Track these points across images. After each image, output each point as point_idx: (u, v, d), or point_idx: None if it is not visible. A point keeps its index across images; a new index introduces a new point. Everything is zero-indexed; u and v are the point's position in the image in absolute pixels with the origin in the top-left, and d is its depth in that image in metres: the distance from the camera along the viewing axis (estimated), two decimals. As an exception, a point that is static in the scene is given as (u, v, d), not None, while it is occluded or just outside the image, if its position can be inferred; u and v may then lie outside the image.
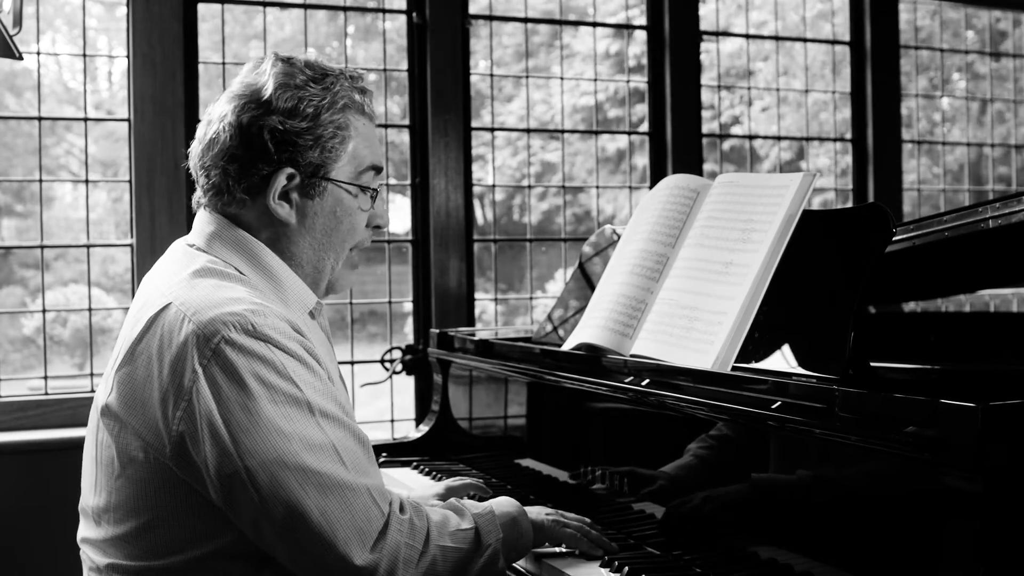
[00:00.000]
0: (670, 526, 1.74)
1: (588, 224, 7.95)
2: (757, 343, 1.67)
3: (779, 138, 4.88)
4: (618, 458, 1.92)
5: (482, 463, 2.40)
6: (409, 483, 2.27)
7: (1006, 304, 2.91)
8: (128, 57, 3.46)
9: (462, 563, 1.54)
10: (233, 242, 1.63)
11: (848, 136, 4.76)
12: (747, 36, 4.73)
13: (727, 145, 6.45)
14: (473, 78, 4.03)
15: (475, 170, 4.13)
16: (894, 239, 1.77)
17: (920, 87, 5.39)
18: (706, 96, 4.42)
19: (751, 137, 4.99)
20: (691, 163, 4.26)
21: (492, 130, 4.33)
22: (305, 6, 3.86)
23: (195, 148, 1.66)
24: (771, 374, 1.59)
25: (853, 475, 1.40)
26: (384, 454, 2.49)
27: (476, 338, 2.50)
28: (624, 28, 4.67)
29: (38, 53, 3.57)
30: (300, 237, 1.64)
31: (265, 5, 3.79)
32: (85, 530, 1.62)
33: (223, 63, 3.73)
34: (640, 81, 4.44)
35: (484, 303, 4.58)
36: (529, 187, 4.43)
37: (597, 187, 4.48)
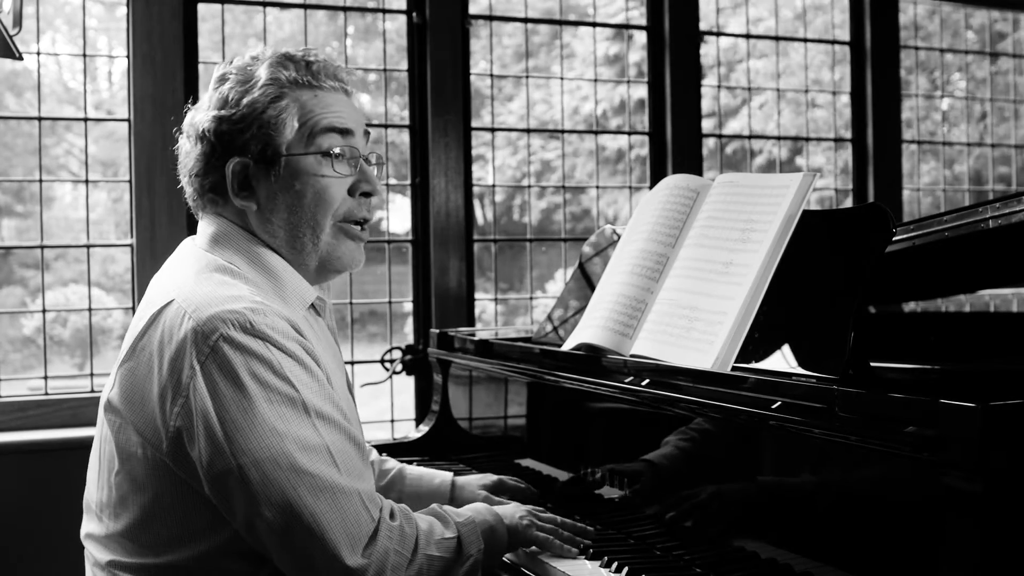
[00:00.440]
0: (670, 526, 1.74)
1: (588, 224, 7.95)
2: (757, 343, 1.67)
3: (779, 138, 4.88)
4: (618, 458, 1.92)
5: (482, 463, 2.40)
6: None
7: (1006, 304, 2.91)
8: (128, 57, 3.46)
9: (445, 572, 1.54)
10: (230, 241, 1.64)
11: (847, 136, 4.76)
12: (747, 36, 4.73)
13: (726, 145, 6.45)
14: (473, 78, 4.04)
15: (475, 170, 4.13)
16: (894, 239, 1.77)
17: (920, 87, 5.39)
18: (706, 96, 4.41)
19: (750, 137, 4.99)
20: (691, 163, 4.26)
21: (492, 130, 4.33)
22: (305, 6, 3.86)
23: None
24: (771, 374, 1.58)
25: (853, 475, 1.40)
26: (384, 454, 2.49)
27: (476, 338, 2.50)
28: (624, 28, 4.67)
29: (38, 53, 3.57)
30: (272, 218, 1.64)
31: (265, 5, 3.79)
32: (88, 525, 1.63)
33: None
34: (640, 81, 4.44)
35: (484, 303, 4.57)
36: (529, 187, 4.43)
37: (597, 187, 4.48)
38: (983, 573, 1.19)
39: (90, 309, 3.65)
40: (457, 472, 2.14)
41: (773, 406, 1.48)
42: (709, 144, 4.66)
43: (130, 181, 3.47)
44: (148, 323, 1.53)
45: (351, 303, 3.93)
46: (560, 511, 1.93)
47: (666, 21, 4.26)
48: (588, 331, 2.00)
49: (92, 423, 3.34)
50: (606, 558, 1.69)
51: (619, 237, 2.19)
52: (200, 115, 1.67)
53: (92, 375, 3.47)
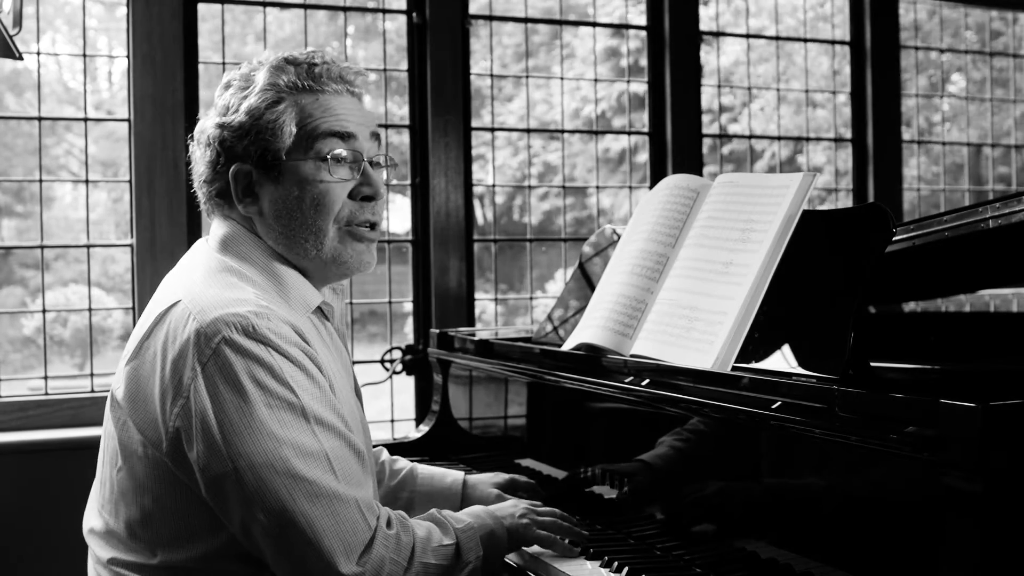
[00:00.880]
0: (670, 526, 1.74)
1: (588, 224, 7.95)
2: (757, 343, 1.67)
3: (779, 138, 4.88)
4: (618, 458, 1.92)
5: (482, 463, 2.40)
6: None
7: (1006, 304, 2.91)
8: (128, 57, 3.46)
9: None
10: (238, 244, 1.64)
11: (847, 136, 4.76)
12: (747, 36, 4.73)
13: (727, 148, 6.45)
14: (473, 78, 4.03)
15: (475, 170, 4.12)
16: (894, 239, 1.77)
17: (920, 86, 5.39)
18: (706, 96, 4.41)
19: (750, 137, 4.99)
20: (691, 163, 4.26)
21: (492, 130, 4.33)
22: (305, 6, 3.86)
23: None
24: (771, 374, 1.58)
25: (853, 475, 1.40)
26: (386, 451, 2.49)
27: (476, 338, 2.50)
28: (624, 28, 4.67)
29: (38, 53, 3.57)
30: (274, 224, 1.64)
31: (265, 5, 3.79)
32: (89, 520, 1.63)
33: (223, 63, 3.73)
34: (640, 81, 4.44)
35: (484, 303, 4.58)
36: (529, 187, 4.43)
37: (597, 187, 4.48)
38: (983, 573, 1.19)
39: (90, 309, 3.65)
40: (459, 472, 2.14)
41: (773, 406, 1.48)
42: (709, 144, 4.65)
43: (130, 181, 3.47)
44: (154, 323, 1.54)
45: (351, 303, 3.93)
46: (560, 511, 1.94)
47: (666, 21, 4.26)
48: (588, 331, 2.00)
49: (92, 423, 3.37)
50: (606, 558, 1.69)
51: (619, 237, 2.19)
52: (207, 122, 1.67)
53: (92, 375, 3.47)
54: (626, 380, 1.83)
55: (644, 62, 4.42)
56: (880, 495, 1.36)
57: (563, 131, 4.45)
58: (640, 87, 4.44)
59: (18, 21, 2.19)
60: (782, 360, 1.62)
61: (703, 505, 1.67)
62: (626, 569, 1.63)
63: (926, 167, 5.31)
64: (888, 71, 4.72)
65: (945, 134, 5.61)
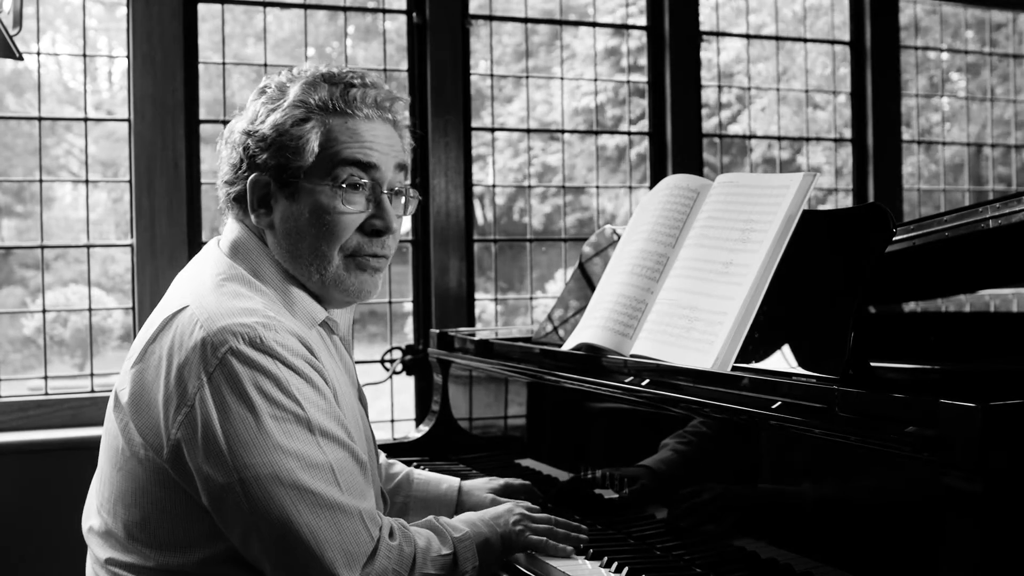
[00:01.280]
0: (670, 526, 1.74)
1: (588, 224, 7.95)
2: (757, 343, 1.67)
3: (779, 138, 4.88)
4: (618, 458, 1.92)
5: (482, 463, 2.40)
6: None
7: (1006, 304, 2.91)
8: (128, 57, 3.46)
9: None
10: (247, 252, 1.64)
11: (847, 136, 4.76)
12: (747, 36, 4.73)
13: (726, 144, 6.45)
14: (473, 78, 4.04)
15: (475, 171, 4.12)
16: (894, 239, 1.77)
17: (920, 86, 5.39)
18: (706, 96, 4.41)
19: (750, 137, 4.99)
20: (691, 163, 4.26)
21: (492, 130, 4.33)
22: (305, 6, 3.86)
23: None
24: (771, 374, 1.58)
25: (853, 475, 1.40)
26: (384, 454, 2.49)
27: (476, 338, 2.50)
28: (624, 28, 4.67)
29: (38, 53, 3.57)
30: (282, 240, 1.63)
31: (265, 5, 3.79)
32: (89, 519, 1.63)
33: (223, 63, 3.73)
34: (640, 81, 4.44)
35: (484, 303, 4.57)
36: (529, 187, 4.43)
37: (597, 187, 4.48)
38: (983, 573, 1.19)
39: (90, 309, 3.65)
40: (459, 473, 2.14)
41: (773, 406, 1.48)
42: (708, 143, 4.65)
43: (130, 181, 3.47)
44: (161, 327, 1.53)
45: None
46: (560, 511, 1.94)
47: (666, 21, 4.26)
48: (588, 331, 2.00)
49: (92, 423, 3.38)
50: (606, 558, 1.69)
51: (619, 237, 2.19)
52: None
53: (92, 375, 3.47)
54: (626, 380, 1.83)
55: (644, 62, 4.42)
56: (880, 495, 1.36)
57: (563, 131, 4.45)
58: (640, 86, 4.44)
59: (18, 21, 2.19)
60: (782, 360, 1.62)
61: (703, 505, 1.67)
62: (626, 569, 1.63)
63: (926, 167, 5.31)
64: (888, 71, 4.72)
65: (945, 134, 5.61)
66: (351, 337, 1.91)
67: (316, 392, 1.50)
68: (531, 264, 4.36)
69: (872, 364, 1.74)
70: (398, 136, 1.70)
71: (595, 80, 4.49)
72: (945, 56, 5.64)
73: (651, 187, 3.07)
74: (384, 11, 3.98)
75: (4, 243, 11.22)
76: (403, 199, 1.71)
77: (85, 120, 3.63)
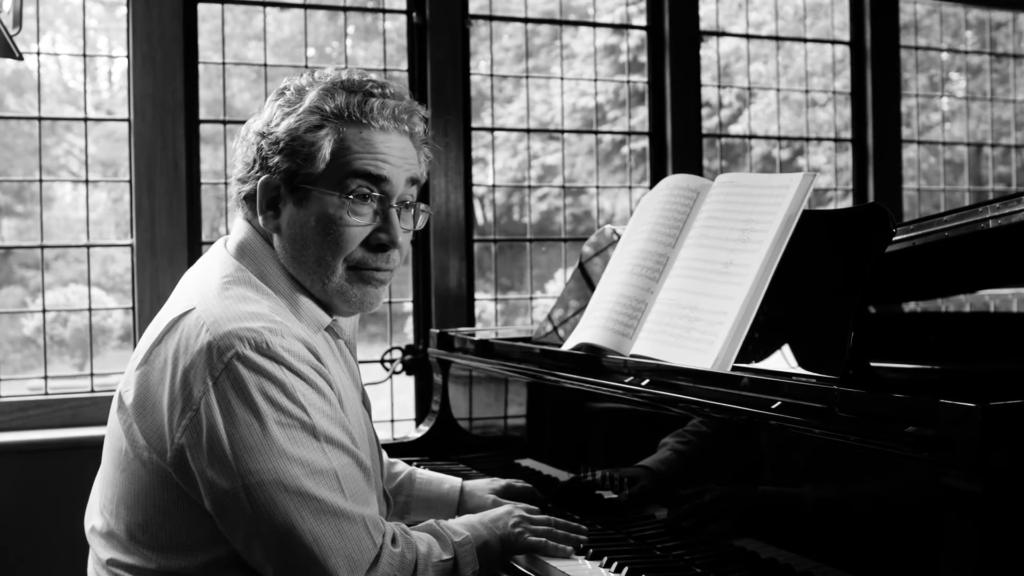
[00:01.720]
0: (670, 526, 1.74)
1: (588, 224, 7.95)
2: (757, 343, 1.67)
3: (779, 138, 4.88)
4: (618, 458, 1.92)
5: (482, 463, 2.40)
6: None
7: (1006, 304, 2.91)
8: (128, 57, 3.46)
9: None
10: (254, 254, 1.63)
11: (847, 136, 4.76)
12: (747, 36, 4.73)
13: (725, 144, 6.46)
14: (473, 78, 4.03)
15: (475, 171, 4.12)
16: (894, 239, 1.77)
17: (920, 86, 5.39)
18: (705, 96, 4.41)
19: (750, 137, 4.99)
20: (691, 163, 4.26)
21: (492, 130, 4.33)
22: (305, 6, 3.86)
23: None
24: (771, 374, 1.58)
25: (853, 475, 1.40)
26: (386, 454, 2.49)
27: (476, 338, 2.50)
28: (624, 28, 4.67)
29: (38, 53, 3.57)
30: (287, 245, 1.62)
31: (265, 5, 3.79)
32: (91, 519, 1.63)
33: (223, 63, 3.73)
34: (640, 81, 4.44)
35: (484, 303, 4.58)
36: (529, 187, 4.43)
37: (597, 187, 4.48)
38: (983, 573, 1.19)
39: (90, 309, 3.65)
40: (459, 473, 2.14)
41: (773, 406, 1.48)
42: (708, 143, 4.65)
43: (130, 181, 3.47)
44: (166, 329, 1.53)
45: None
46: (559, 511, 1.94)
47: (666, 21, 4.26)
48: (588, 331, 2.00)
49: (92, 423, 3.38)
50: (606, 558, 1.69)
51: (619, 237, 2.19)
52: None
53: (92, 375, 3.47)
54: (626, 380, 1.83)
55: (644, 61, 4.42)
56: (880, 495, 1.36)
57: (563, 131, 4.45)
58: (640, 86, 4.44)
59: (18, 21, 2.19)
60: (782, 360, 1.62)
61: (703, 505, 1.67)
62: (626, 569, 1.63)
63: (926, 167, 5.31)
64: (888, 71, 4.72)
65: (945, 134, 5.61)
66: (356, 341, 1.90)
67: (322, 398, 1.50)
68: (531, 264, 4.36)
69: (872, 364, 1.74)
70: (413, 149, 1.67)
71: (595, 80, 4.49)
72: (945, 56, 5.64)
73: (651, 187, 3.07)
74: (384, 11, 3.98)
75: (4, 243, 11.23)
76: (412, 212, 1.69)
77: (85, 120, 3.63)
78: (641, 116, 4.53)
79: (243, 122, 1.72)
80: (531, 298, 4.38)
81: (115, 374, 3.54)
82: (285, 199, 1.61)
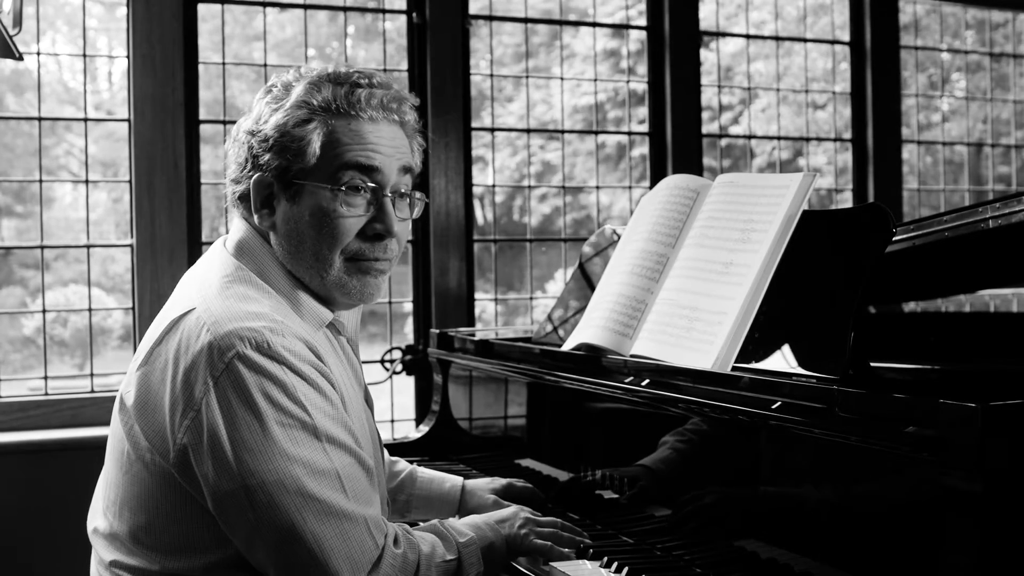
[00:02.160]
0: (670, 526, 1.74)
1: (588, 224, 7.95)
2: (757, 343, 1.67)
3: (779, 138, 4.88)
4: (618, 458, 1.92)
5: (482, 463, 2.40)
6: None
7: (1006, 304, 2.91)
8: (128, 57, 3.46)
9: None
10: (253, 253, 1.63)
11: (847, 136, 4.76)
12: (747, 36, 4.73)
13: (726, 144, 6.46)
14: (473, 78, 4.03)
15: (475, 171, 4.12)
16: (894, 239, 1.77)
17: (920, 86, 5.39)
18: (705, 96, 4.41)
19: (750, 137, 4.99)
20: (691, 163, 4.26)
21: (492, 130, 4.33)
22: (305, 6, 3.86)
23: None
24: (771, 374, 1.58)
25: (853, 475, 1.40)
26: (387, 452, 2.49)
27: (476, 338, 2.50)
28: (624, 28, 4.67)
29: (38, 53, 3.57)
30: (284, 242, 1.62)
31: (265, 5, 3.79)
32: (94, 520, 1.63)
33: (223, 63, 3.73)
34: (640, 81, 4.44)
35: (484, 303, 4.58)
36: (529, 187, 4.43)
37: (597, 187, 4.48)
38: (983, 573, 1.19)
39: (90, 309, 3.65)
40: (459, 473, 2.14)
41: (773, 406, 1.48)
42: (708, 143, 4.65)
43: (130, 181, 3.47)
44: (167, 329, 1.52)
45: (351, 303, 3.93)
46: (560, 511, 1.94)
47: (666, 21, 4.26)
48: (588, 331, 2.00)
49: (92, 423, 3.37)
50: (606, 558, 1.69)
51: (619, 237, 2.19)
52: (244, 123, 1.64)
53: (92, 375, 3.47)
54: (626, 380, 1.83)
55: (644, 62, 4.42)
56: (880, 495, 1.36)
57: (563, 131, 4.45)
58: (640, 86, 4.44)
59: (18, 21, 2.20)
60: (782, 360, 1.62)
61: (703, 505, 1.67)
62: (626, 569, 1.63)
63: (926, 167, 5.31)
64: (888, 71, 4.72)
65: (944, 134, 5.61)
66: (358, 339, 1.90)
67: (323, 398, 1.49)
68: (531, 264, 4.36)
69: (872, 364, 1.74)
70: (405, 137, 1.67)
71: (595, 80, 4.49)
72: (945, 56, 5.64)
73: (651, 187, 3.07)
74: (384, 11, 3.98)
75: (4, 243, 11.22)
76: (408, 201, 1.69)
77: (85, 120, 3.63)
78: (641, 116, 4.53)
79: (243, 122, 1.71)
80: (531, 298, 4.38)
81: (115, 374, 3.54)
82: (279, 196, 1.61)
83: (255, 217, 1.62)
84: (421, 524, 1.65)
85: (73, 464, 3.17)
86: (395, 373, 3.68)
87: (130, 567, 1.52)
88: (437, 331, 2.65)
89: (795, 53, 5.64)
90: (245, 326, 1.46)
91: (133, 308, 3.46)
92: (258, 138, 1.60)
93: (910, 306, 2.77)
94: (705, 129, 4.38)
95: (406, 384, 3.89)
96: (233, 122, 1.76)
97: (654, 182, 4.11)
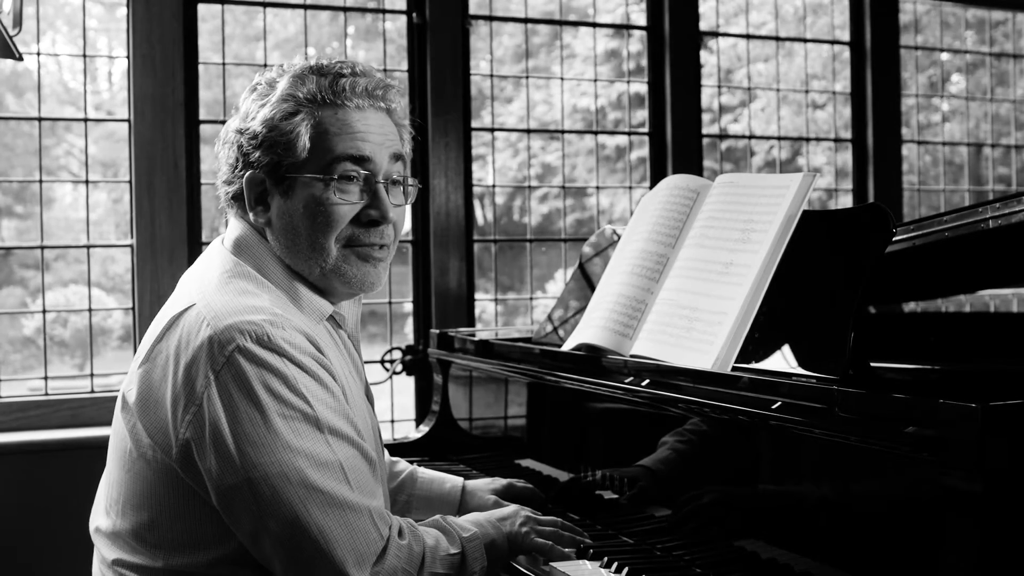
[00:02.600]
0: (670, 526, 1.74)
1: (588, 224, 7.95)
2: (757, 343, 1.67)
3: (779, 138, 4.88)
4: (618, 458, 1.92)
5: (482, 463, 2.40)
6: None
7: (1006, 304, 2.91)
8: (128, 57, 3.46)
9: None
10: (251, 249, 1.63)
11: (847, 136, 4.76)
12: (747, 36, 4.73)
13: (726, 145, 6.46)
14: (473, 78, 4.03)
15: (475, 171, 4.12)
16: (894, 239, 1.77)
17: (920, 86, 5.39)
18: (706, 96, 4.41)
19: (750, 137, 4.99)
20: (691, 163, 4.26)
21: (492, 130, 4.33)
22: (305, 7, 3.86)
23: None
24: (771, 374, 1.58)
25: (853, 475, 1.40)
26: (387, 452, 2.49)
27: (476, 338, 2.50)
28: (624, 28, 4.67)
29: (38, 53, 3.57)
30: (280, 237, 1.62)
31: (265, 5, 3.79)
32: (96, 519, 1.63)
33: (223, 63, 3.73)
34: (640, 81, 4.44)
35: (484, 303, 4.57)
36: (529, 188, 4.43)
37: (597, 187, 4.48)
38: (983, 573, 1.19)
39: (90, 309, 3.65)
40: (459, 473, 2.14)
41: (773, 406, 1.48)
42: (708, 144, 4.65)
43: (130, 181, 3.47)
44: (167, 326, 1.53)
45: (351, 303, 3.93)
46: (560, 511, 1.94)
47: (666, 21, 4.26)
48: (588, 331, 2.00)
49: (92, 423, 3.37)
50: (606, 558, 1.69)
51: (619, 237, 2.19)
52: (231, 123, 1.65)
53: (92, 375, 3.47)
54: (626, 380, 1.83)
55: (644, 62, 4.42)
56: (880, 495, 1.36)
57: (563, 131, 4.45)
58: (640, 87, 4.44)
59: (18, 21, 2.20)
60: (782, 360, 1.62)
61: (703, 505, 1.67)
62: (626, 569, 1.63)
63: (926, 167, 5.31)
64: (888, 71, 4.72)
65: (945, 134, 5.61)
66: (360, 334, 1.90)
67: (324, 390, 1.49)
68: (531, 264, 4.36)
69: (872, 364, 1.74)
70: (393, 125, 1.68)
71: (595, 80, 4.49)
72: (945, 56, 5.64)
73: (651, 187, 3.07)
74: (384, 11, 3.98)
75: (4, 243, 11.22)
76: (402, 188, 1.69)
77: (85, 120, 3.63)
78: (641, 117, 4.53)
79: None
80: (531, 298, 4.38)
81: (115, 374, 3.54)
82: (272, 192, 1.61)
83: (250, 215, 1.63)
84: (423, 522, 1.65)
85: (73, 464, 3.17)
86: (395, 373, 3.68)
87: (133, 565, 1.53)
88: (437, 331, 2.65)
89: (795, 53, 5.65)
90: (245, 319, 1.46)
91: (133, 308, 3.46)
92: (247, 136, 1.61)
93: (910, 306, 2.77)
94: (705, 130, 4.38)
95: (406, 384, 3.89)
96: (233, 122, 1.78)
97: (654, 182, 4.11)
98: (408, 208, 1.75)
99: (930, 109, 5.68)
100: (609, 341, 1.93)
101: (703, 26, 4.38)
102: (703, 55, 4.37)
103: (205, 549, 1.49)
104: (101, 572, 1.59)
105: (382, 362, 3.69)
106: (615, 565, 1.66)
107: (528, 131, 4.39)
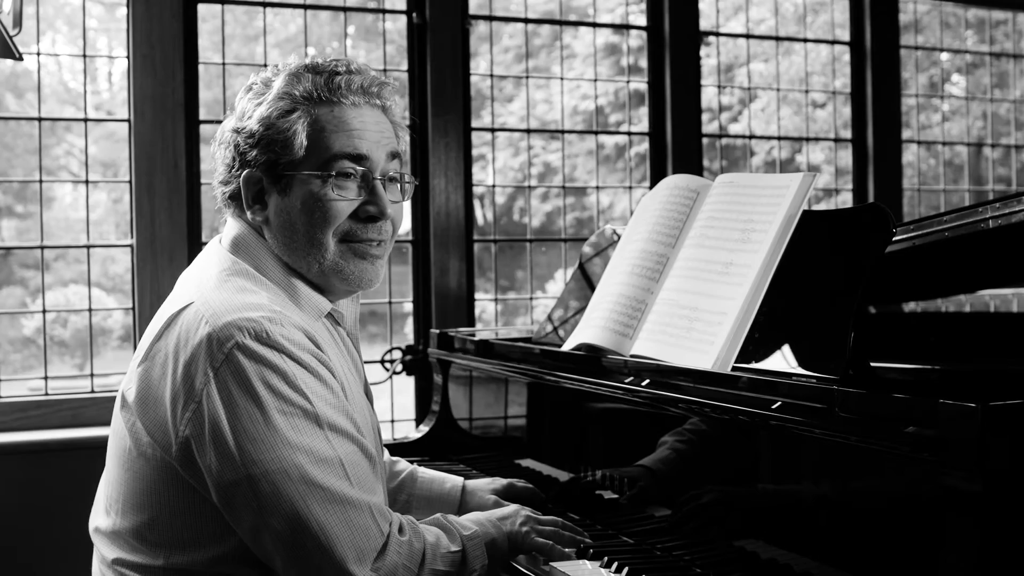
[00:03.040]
0: (670, 526, 1.74)
1: (588, 224, 7.95)
2: (757, 343, 1.67)
3: (779, 138, 4.88)
4: (618, 458, 1.92)
5: (482, 463, 2.40)
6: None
7: (1006, 304, 2.91)
8: (128, 57, 3.46)
9: None
10: (249, 248, 1.63)
11: (847, 136, 4.76)
12: (747, 36, 4.73)
13: (725, 144, 6.46)
14: (473, 78, 4.03)
15: (475, 171, 4.12)
16: (894, 239, 1.77)
17: (920, 86, 5.39)
18: (705, 96, 4.41)
19: (750, 137, 4.99)
20: (691, 163, 4.26)
21: (492, 130, 4.33)
22: (305, 6, 3.86)
23: None
24: (771, 374, 1.58)
25: (853, 475, 1.40)
26: (387, 452, 2.49)
27: (476, 338, 2.50)
28: (624, 28, 4.67)
29: (38, 54, 3.57)
30: (278, 234, 1.62)
31: (265, 5, 3.79)
32: (96, 519, 1.63)
33: (223, 63, 3.73)
34: (640, 81, 4.44)
35: (484, 303, 4.58)
36: (530, 188, 4.43)
37: (597, 187, 4.48)
38: (983, 573, 1.19)
39: (90, 309, 3.65)
40: (459, 473, 2.14)
41: (773, 406, 1.48)
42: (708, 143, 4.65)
43: (130, 181, 3.47)
44: (166, 324, 1.53)
45: (351, 303, 3.93)
46: (560, 511, 1.93)
47: (666, 21, 4.26)
48: (588, 331, 2.00)
49: (92, 423, 3.37)
50: (606, 558, 1.69)
51: (619, 237, 2.19)
52: (227, 123, 1.66)
53: (92, 375, 3.47)
54: (626, 380, 1.83)
55: (644, 62, 4.42)
56: (880, 495, 1.36)
57: (563, 131, 4.45)
58: (640, 86, 4.44)
59: (18, 21, 2.20)
60: (782, 360, 1.62)
61: (703, 505, 1.67)
62: (626, 569, 1.63)
63: (926, 167, 5.31)
64: (888, 71, 4.72)
65: (945, 134, 5.61)
66: (359, 331, 1.91)
67: (324, 386, 1.50)
68: (531, 264, 4.36)
69: (872, 364, 1.74)
70: (389, 123, 1.68)
71: (595, 80, 4.49)
72: (945, 56, 5.64)
73: (651, 187, 3.07)
74: (384, 11, 3.98)
75: (4, 243, 11.22)
76: (399, 185, 1.70)
77: (85, 120, 3.63)
78: (641, 116, 4.53)
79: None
80: (531, 298, 4.38)
81: (115, 374, 3.54)
82: (269, 190, 1.62)
83: (248, 213, 1.63)
84: (423, 520, 1.65)
85: (73, 464, 3.17)
86: (395, 373, 3.68)
87: (133, 564, 1.53)
88: (437, 331, 2.65)
89: (795, 52, 5.64)
90: (243, 316, 1.46)
91: (133, 308, 3.46)
92: (243, 135, 1.61)
93: (910, 306, 2.77)
94: (705, 129, 4.38)
95: (406, 384, 3.89)
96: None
97: (654, 182, 4.11)
98: (407, 206, 1.75)
99: (930, 109, 5.68)
100: (609, 341, 1.93)
101: (703, 25, 4.38)
102: (703, 51, 4.37)
103: (205, 547, 1.49)
104: (101, 572, 1.59)
105: (382, 362, 3.69)
106: (615, 565, 1.66)
107: (528, 131, 4.39)
